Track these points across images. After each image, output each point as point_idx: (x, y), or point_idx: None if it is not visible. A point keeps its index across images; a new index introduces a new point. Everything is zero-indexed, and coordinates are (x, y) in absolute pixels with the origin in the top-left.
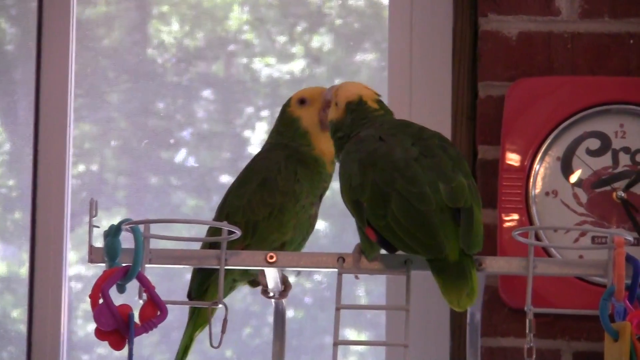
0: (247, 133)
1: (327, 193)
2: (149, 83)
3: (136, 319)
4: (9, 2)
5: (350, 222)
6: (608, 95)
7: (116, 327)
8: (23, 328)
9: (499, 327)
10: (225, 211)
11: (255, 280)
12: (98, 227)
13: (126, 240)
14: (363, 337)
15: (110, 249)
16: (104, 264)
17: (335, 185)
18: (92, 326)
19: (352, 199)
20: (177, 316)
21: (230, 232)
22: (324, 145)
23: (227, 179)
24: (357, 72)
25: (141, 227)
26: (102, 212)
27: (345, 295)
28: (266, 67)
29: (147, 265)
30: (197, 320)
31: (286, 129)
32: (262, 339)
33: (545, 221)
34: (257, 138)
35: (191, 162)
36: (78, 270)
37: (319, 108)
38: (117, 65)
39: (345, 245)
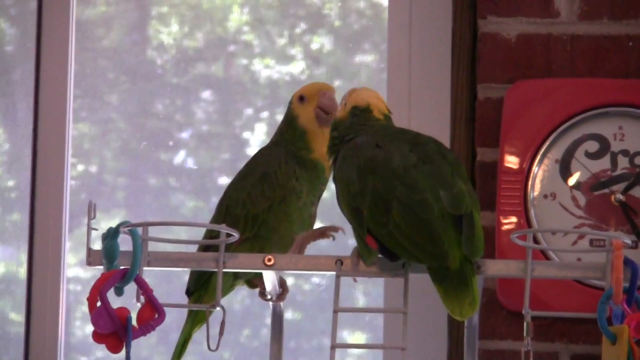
0: (246, 134)
1: (325, 195)
2: (149, 84)
3: (134, 321)
4: (8, 2)
5: (349, 224)
6: (607, 97)
7: (114, 330)
8: (21, 330)
9: (497, 330)
10: (225, 203)
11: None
12: (96, 229)
13: (124, 243)
14: (361, 339)
15: (108, 252)
16: (102, 267)
17: (333, 186)
18: (90, 328)
19: (352, 206)
20: (175, 318)
21: (229, 235)
22: (324, 148)
23: (226, 181)
24: (356, 74)
25: (139, 229)
26: (101, 214)
27: (344, 297)
28: (266, 68)
29: (145, 268)
30: (196, 317)
31: (287, 127)
32: (260, 340)
33: (544, 224)
34: (256, 139)
35: (190, 163)
36: (76, 273)
37: (315, 104)
38: (117, 66)
39: (344, 247)
